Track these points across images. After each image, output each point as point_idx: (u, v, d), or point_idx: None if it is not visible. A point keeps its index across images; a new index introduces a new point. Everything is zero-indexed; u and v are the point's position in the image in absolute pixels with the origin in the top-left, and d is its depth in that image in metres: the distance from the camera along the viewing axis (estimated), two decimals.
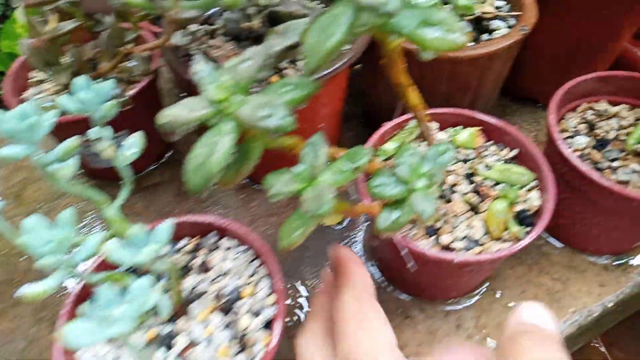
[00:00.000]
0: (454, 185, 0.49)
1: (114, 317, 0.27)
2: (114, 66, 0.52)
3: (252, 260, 0.46)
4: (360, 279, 0.34)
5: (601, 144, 0.54)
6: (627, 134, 0.54)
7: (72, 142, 0.40)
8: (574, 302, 0.55)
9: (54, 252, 0.34)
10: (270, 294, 0.43)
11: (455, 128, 0.54)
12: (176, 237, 0.49)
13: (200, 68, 0.34)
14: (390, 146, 0.53)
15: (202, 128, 0.34)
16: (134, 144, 0.46)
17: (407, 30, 0.29)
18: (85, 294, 0.44)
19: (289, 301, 0.57)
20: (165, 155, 0.72)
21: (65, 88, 0.57)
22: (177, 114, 0.34)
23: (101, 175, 0.69)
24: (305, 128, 0.59)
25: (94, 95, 0.41)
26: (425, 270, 0.47)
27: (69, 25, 0.52)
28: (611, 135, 0.54)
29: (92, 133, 0.44)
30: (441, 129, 0.54)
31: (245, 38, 0.58)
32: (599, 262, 0.58)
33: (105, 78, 0.55)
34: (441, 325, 0.54)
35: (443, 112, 0.53)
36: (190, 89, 0.52)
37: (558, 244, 0.59)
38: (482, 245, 0.46)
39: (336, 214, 0.38)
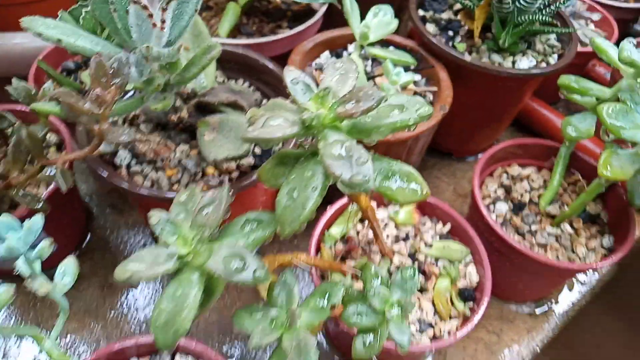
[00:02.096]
0: (400, 266, 0.51)
1: None
2: (29, 177, 0.46)
3: None
4: None
5: (519, 208, 0.59)
6: (539, 196, 0.60)
7: (5, 292, 0.35)
8: (509, 352, 0.60)
9: None
10: None
11: (392, 206, 0.56)
12: (123, 359, 0.45)
13: (157, 220, 0.32)
14: (335, 230, 0.54)
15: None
16: (67, 270, 0.42)
17: (376, 185, 0.30)
18: None
19: None
20: (84, 242, 0.66)
21: None
22: (137, 270, 0.31)
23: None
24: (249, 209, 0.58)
25: (25, 236, 0.36)
26: (385, 357, 0.49)
27: None
28: (525, 198, 0.60)
29: (22, 267, 0.40)
30: (378, 205, 0.56)
31: (172, 127, 0.55)
32: (524, 310, 0.63)
33: (17, 189, 0.49)
34: None
35: None
36: (119, 190, 0.49)
37: None
38: (434, 325, 0.48)
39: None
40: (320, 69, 0.64)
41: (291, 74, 0.28)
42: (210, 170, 0.53)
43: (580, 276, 0.68)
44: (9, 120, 0.52)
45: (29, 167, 0.48)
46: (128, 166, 0.52)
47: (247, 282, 0.30)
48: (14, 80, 0.53)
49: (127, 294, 0.62)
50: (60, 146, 0.60)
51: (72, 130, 0.59)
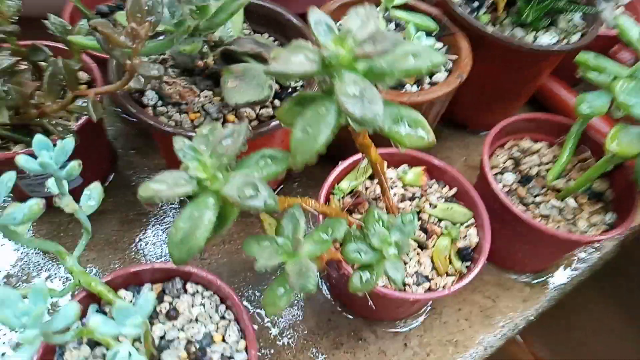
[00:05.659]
0: None
1: None
2: (63, 107, 0.49)
3: (219, 305, 0.48)
4: None
5: (526, 179, 0.61)
6: (547, 171, 0.61)
7: (35, 205, 0.39)
8: (503, 317, 0.62)
9: (31, 326, 0.34)
10: (240, 339, 0.45)
11: (402, 167, 0.58)
12: (137, 283, 0.49)
13: (180, 145, 0.34)
14: (345, 184, 0.56)
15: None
16: (93, 194, 0.46)
17: (385, 128, 0.32)
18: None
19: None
20: (107, 180, 0.70)
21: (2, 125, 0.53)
22: (159, 189, 0.34)
23: None
24: None
25: (57, 155, 0.39)
26: (381, 303, 0.52)
27: (4, 60, 0.49)
28: (534, 171, 0.61)
29: (52, 187, 0.43)
30: (389, 166, 0.59)
31: (198, 73, 0.58)
32: (521, 279, 0.66)
33: (50, 118, 0.52)
34: (390, 346, 0.59)
35: (391, 152, 0.57)
36: (142, 125, 0.52)
37: (487, 263, 0.66)
38: (431, 280, 0.51)
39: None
40: None
41: (315, 15, 0.30)
42: (231, 117, 0.55)
43: (581, 254, 0.70)
44: (45, 53, 0.55)
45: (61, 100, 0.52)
46: (154, 106, 0.55)
47: (259, 209, 0.33)
48: (51, 15, 0.56)
49: (145, 231, 0.65)
50: (90, 84, 0.63)
51: (103, 70, 0.62)
